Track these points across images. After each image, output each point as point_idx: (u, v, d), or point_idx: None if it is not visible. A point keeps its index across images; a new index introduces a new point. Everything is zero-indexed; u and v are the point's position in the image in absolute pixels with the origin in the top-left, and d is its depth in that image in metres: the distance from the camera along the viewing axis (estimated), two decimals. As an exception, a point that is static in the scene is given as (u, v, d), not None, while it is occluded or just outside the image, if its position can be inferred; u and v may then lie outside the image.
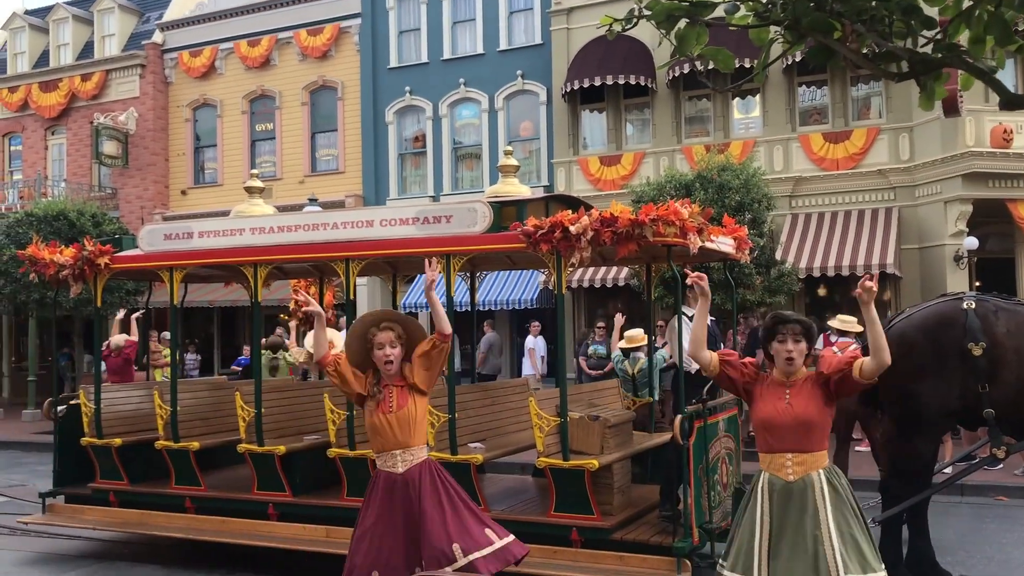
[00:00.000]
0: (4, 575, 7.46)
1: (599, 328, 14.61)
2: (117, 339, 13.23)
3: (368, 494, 4.66)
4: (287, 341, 15.00)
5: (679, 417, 6.08)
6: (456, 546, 4.40)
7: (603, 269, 16.61)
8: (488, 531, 4.58)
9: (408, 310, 19.00)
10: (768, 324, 4.39)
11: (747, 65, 15.70)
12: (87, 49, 25.40)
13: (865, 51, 4.13)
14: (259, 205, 8.57)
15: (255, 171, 9.86)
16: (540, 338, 16.28)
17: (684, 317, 6.79)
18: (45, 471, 10.72)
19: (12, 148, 26.07)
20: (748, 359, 4.57)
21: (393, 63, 21.37)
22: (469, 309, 9.98)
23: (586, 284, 17.25)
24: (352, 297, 7.33)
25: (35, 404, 19.78)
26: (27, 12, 26.95)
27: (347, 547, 7.01)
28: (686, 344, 6.00)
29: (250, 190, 8.69)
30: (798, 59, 15.76)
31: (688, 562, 6.04)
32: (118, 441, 8.16)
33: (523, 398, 8.00)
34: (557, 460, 6.46)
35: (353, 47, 21.80)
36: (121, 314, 13.51)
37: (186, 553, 7.83)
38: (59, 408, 8.67)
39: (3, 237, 18.35)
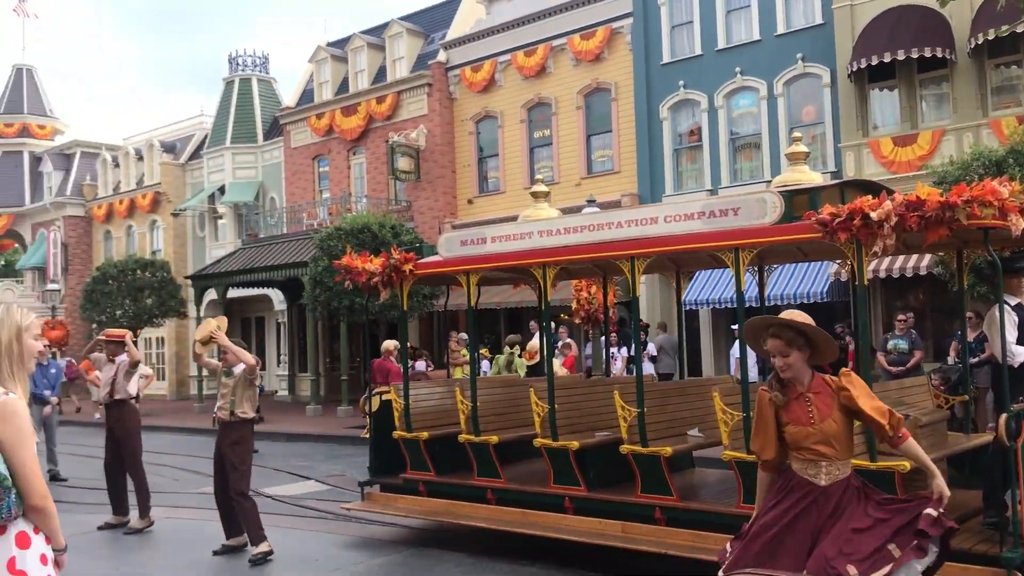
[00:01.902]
0: (329, 556, 8.21)
1: (899, 321, 13.64)
2: (387, 344, 14.60)
3: (781, 492, 4.25)
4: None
5: (1004, 416, 5.53)
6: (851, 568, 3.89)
7: (901, 258, 15.49)
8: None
9: (688, 307, 18.81)
10: None
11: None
12: (380, 73, 27.50)
13: None
14: (544, 209, 8.83)
15: (539, 176, 10.17)
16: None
17: (1007, 306, 6.16)
18: (360, 462, 11.71)
19: (320, 169, 28.79)
20: None
21: (666, 59, 21.25)
22: (758, 305, 9.64)
23: (883, 275, 16.18)
24: (636, 294, 7.35)
25: (347, 401, 21.69)
26: (328, 44, 29.64)
27: (644, 543, 7.12)
28: (1010, 336, 5.45)
29: (535, 195, 8.98)
30: None
31: (1020, 574, 5.48)
32: (425, 435, 8.74)
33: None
34: (863, 461, 6.10)
35: (625, 47, 21.93)
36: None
37: (490, 542, 8.21)
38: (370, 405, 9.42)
39: (317, 250, 20.28)
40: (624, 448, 7.35)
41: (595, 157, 22.80)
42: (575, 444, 7.67)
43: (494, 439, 8.28)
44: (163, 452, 16.30)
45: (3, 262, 49.01)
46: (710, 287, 18.58)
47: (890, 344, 13.31)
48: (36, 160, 39.41)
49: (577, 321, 17.81)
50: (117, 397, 9.84)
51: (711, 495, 7.64)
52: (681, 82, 20.91)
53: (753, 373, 15.61)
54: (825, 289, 16.87)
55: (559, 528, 7.66)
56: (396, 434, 8.90)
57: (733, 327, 16.60)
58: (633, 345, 16.21)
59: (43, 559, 3.30)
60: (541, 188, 9.02)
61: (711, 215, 6.82)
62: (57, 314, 30.89)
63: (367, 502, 9.21)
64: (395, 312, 19.88)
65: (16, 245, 42.10)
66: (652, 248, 7.13)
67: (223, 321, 8.37)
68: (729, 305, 17.68)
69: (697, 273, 18.37)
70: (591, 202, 17.50)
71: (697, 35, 20.85)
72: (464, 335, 17.39)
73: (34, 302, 35.81)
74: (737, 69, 20.08)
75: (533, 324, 18.08)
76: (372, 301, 9.58)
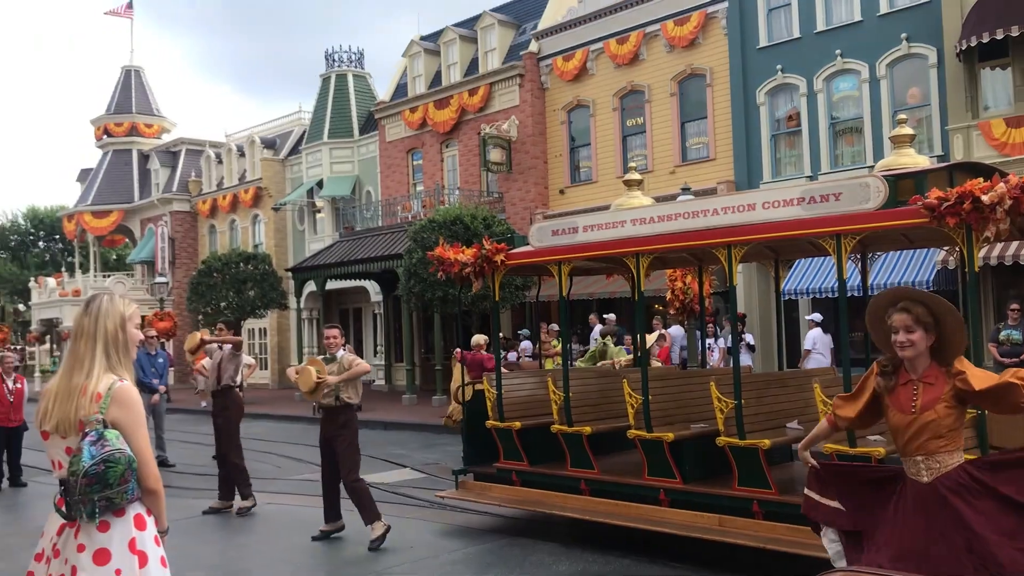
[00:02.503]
0: (425, 543, 8.29)
1: (1012, 310, 13.02)
2: (477, 338, 14.91)
3: (893, 495, 4.04)
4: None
5: None
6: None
7: (1014, 244, 14.79)
8: None
9: (787, 296, 18.35)
10: None
11: None
12: (473, 65, 27.64)
13: None
14: (638, 197, 8.71)
15: (632, 164, 10.04)
16: (817, 330, 15.43)
17: None
18: (455, 451, 11.81)
19: (414, 163, 29.13)
20: None
21: (763, 42, 20.74)
22: (860, 294, 9.34)
23: (993, 262, 15.48)
24: (733, 283, 7.18)
25: (442, 391, 21.90)
26: (422, 38, 29.93)
27: (741, 537, 6.97)
28: None
29: (628, 183, 8.87)
30: None
31: None
32: (518, 424, 8.74)
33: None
34: (843, 446, 5.99)
35: (720, 31, 21.49)
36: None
37: (583, 534, 8.17)
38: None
39: (411, 242, 20.52)
40: (721, 440, 7.21)
41: (690, 144, 22.44)
42: (670, 436, 7.55)
43: (587, 430, 8.22)
44: (265, 439, 16.78)
45: (115, 256, 51.23)
46: (810, 276, 18.10)
47: (1002, 334, 12.72)
48: (144, 158, 41.02)
49: (672, 312, 17.63)
50: (223, 384, 10.18)
51: (811, 489, 7.41)
52: (779, 66, 20.38)
53: (747, 360, 15.38)
54: (931, 278, 16.23)
55: (653, 520, 7.57)
56: (489, 423, 8.92)
57: (809, 317, 16.33)
58: (731, 335, 16.01)
59: (156, 540, 3.43)
60: (634, 176, 8.90)
61: (811, 200, 6.61)
62: (165, 306, 32.08)
63: (461, 491, 9.28)
64: (487, 303, 20.01)
65: (126, 240, 43.91)
66: (750, 235, 6.94)
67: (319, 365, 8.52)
68: (830, 295, 17.19)
69: (797, 262, 17.91)
70: (686, 190, 17.24)
71: (795, 17, 20.28)
72: (555, 326, 17.39)
73: (143, 294, 37.37)
74: (837, 51, 19.46)
75: (592, 318, 18.03)
76: (464, 292, 9.59)
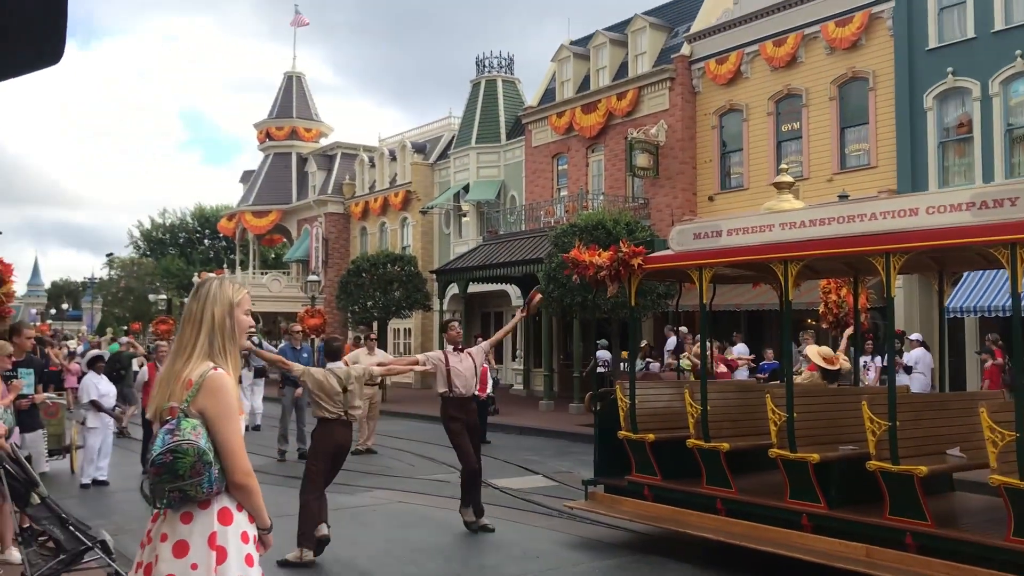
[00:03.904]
0: (551, 553, 8.03)
1: None
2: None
3: None
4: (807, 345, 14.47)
5: None
6: None
7: None
8: None
9: (952, 315, 17.11)
10: None
11: None
12: (622, 69, 27.25)
13: None
14: (788, 201, 8.20)
15: (783, 166, 9.50)
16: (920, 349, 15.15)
17: None
18: (589, 460, 11.49)
19: (559, 167, 28.99)
20: None
21: (932, 44, 19.47)
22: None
23: None
24: (891, 295, 6.59)
25: (579, 398, 21.61)
26: (572, 43, 29.78)
27: (891, 571, 6.38)
28: None
29: (779, 185, 8.36)
30: None
31: None
32: (651, 436, 8.36)
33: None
34: (886, 464, 5.32)
35: (886, 32, 20.33)
36: None
37: (718, 556, 7.72)
38: (599, 403, 9.18)
39: (552, 247, 20.35)
40: (871, 464, 6.63)
41: (849, 151, 21.32)
42: (815, 457, 7.01)
43: (725, 446, 7.76)
44: (401, 437, 16.95)
45: (273, 255, 53.52)
46: (979, 292, 16.79)
47: None
48: (302, 161, 42.67)
49: (825, 326, 16.72)
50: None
51: (973, 523, 6.72)
52: (950, 69, 19.07)
53: (905, 380, 14.29)
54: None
55: (794, 546, 7.04)
56: (621, 434, 8.58)
57: (912, 337, 15.30)
58: (887, 353, 15.03)
59: (244, 537, 3.24)
60: (786, 178, 8.39)
61: (983, 206, 5.98)
62: (317, 303, 33.17)
63: (591, 502, 8.98)
64: (627, 310, 19.60)
65: (284, 240, 45.78)
66: (911, 243, 6.35)
67: None
68: (1001, 314, 15.87)
69: (964, 276, 16.67)
70: (843, 197, 16.32)
71: (970, 16, 18.93)
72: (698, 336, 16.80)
73: (297, 292, 38.76)
74: (1018, 52, 18.01)
75: (668, 329, 17.20)
76: (599, 297, 9.30)
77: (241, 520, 3.24)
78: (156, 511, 3.23)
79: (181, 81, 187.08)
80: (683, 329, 17.76)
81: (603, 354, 19.99)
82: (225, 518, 3.19)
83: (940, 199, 6.35)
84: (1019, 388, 6.01)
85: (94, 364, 12.43)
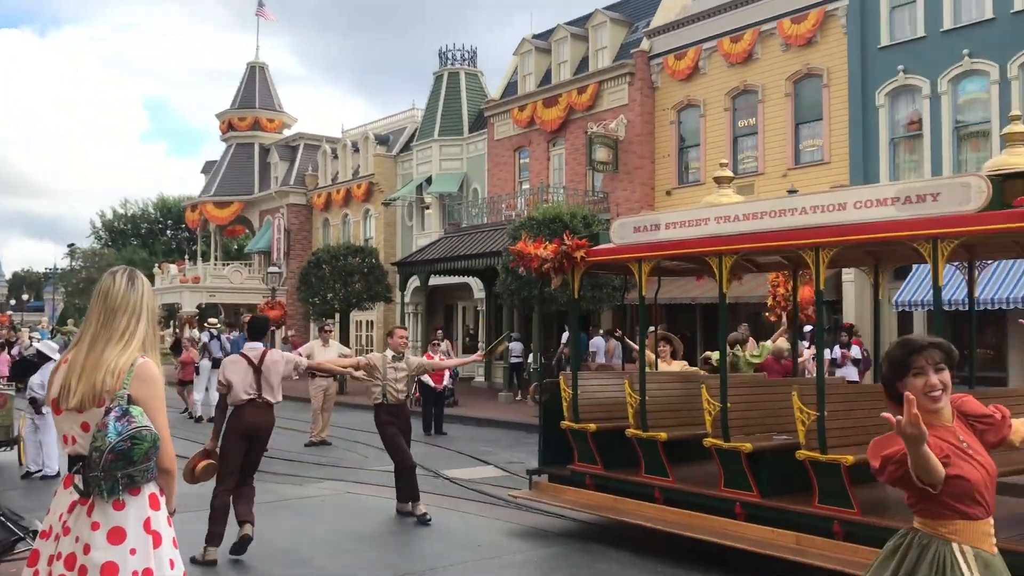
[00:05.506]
0: (493, 543, 8.13)
1: None
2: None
3: None
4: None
5: None
6: None
7: None
8: None
9: (900, 308, 17.44)
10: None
11: None
12: (583, 64, 27.38)
13: None
14: (728, 195, 8.33)
15: (724, 161, 9.65)
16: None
17: None
18: (538, 451, 11.61)
19: (521, 161, 29.08)
20: None
21: (884, 41, 19.79)
22: (962, 308, 8.70)
23: None
24: (821, 288, 6.75)
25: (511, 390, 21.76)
26: (534, 36, 29.84)
27: (818, 558, 6.54)
28: None
29: (718, 179, 8.51)
30: None
31: None
32: (593, 427, 8.48)
33: None
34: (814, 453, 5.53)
35: (840, 30, 20.62)
36: None
37: (655, 543, 7.86)
38: (544, 394, 9.28)
39: (510, 240, 20.42)
40: (801, 454, 6.80)
41: (803, 147, 21.61)
42: (748, 446, 7.17)
43: (663, 436, 7.90)
44: (356, 428, 16.96)
45: (236, 246, 53.14)
46: (928, 286, 17.04)
47: None
48: (265, 151, 42.38)
49: (773, 319, 16.98)
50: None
51: (898, 511, 6.90)
52: (901, 67, 19.40)
53: (852, 373, 14.51)
54: (1062, 293, 15.13)
55: (728, 534, 7.20)
56: (564, 424, 8.70)
57: (807, 329, 14.82)
58: (835, 344, 15.29)
59: (169, 521, 3.38)
60: (725, 173, 8.53)
61: (907, 201, 6.15)
62: (278, 295, 33.03)
63: (534, 491, 9.08)
64: (588, 303, 19.75)
65: (246, 231, 45.47)
66: (839, 236, 6.51)
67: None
68: (947, 307, 16.20)
69: (915, 269, 16.96)
70: (792, 193, 16.52)
71: (920, 15, 19.26)
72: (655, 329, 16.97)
73: (258, 283, 38.55)
74: (965, 51, 18.37)
75: (592, 329, 17.51)
76: (559, 290, 9.41)
77: (164, 505, 3.35)
78: (73, 500, 3.26)
79: (145, 70, 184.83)
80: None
81: (515, 346, 20.24)
82: (155, 503, 3.30)
83: (867, 194, 6.51)
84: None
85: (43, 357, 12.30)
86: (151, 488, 3.30)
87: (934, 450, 2.98)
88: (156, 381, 3.31)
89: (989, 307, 15.90)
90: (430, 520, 8.78)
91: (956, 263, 7.91)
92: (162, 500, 3.35)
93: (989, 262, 12.85)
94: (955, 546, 3.13)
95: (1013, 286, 15.68)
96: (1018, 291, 15.58)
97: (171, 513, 3.41)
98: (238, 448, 7.51)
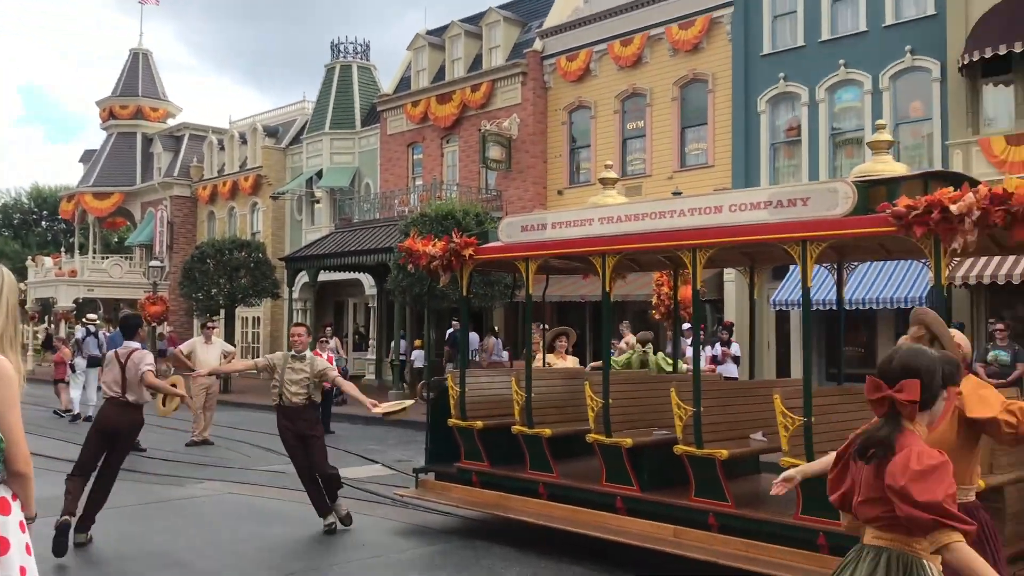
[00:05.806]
0: (377, 542, 8.09)
1: (998, 331, 12.77)
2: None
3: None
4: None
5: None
6: None
7: (1007, 264, 14.55)
8: None
9: (778, 307, 18.12)
10: None
11: None
12: (476, 61, 27.43)
13: None
14: (612, 196, 8.49)
15: (609, 163, 9.83)
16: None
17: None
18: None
19: (415, 156, 28.94)
20: None
21: (766, 50, 20.51)
22: (835, 308, 9.10)
23: (987, 280, 15.22)
24: (699, 287, 6.97)
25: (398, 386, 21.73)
26: (428, 32, 29.73)
27: (694, 550, 6.74)
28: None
29: (604, 181, 8.65)
30: None
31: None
32: (480, 424, 8.52)
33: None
34: (690, 448, 5.77)
35: (724, 37, 21.26)
36: None
37: (539, 538, 7.95)
38: (431, 391, 9.28)
39: (402, 236, 20.31)
40: (678, 449, 7.00)
41: (689, 150, 22.21)
42: (628, 442, 7.34)
43: (547, 432, 8.01)
44: (240, 428, 16.59)
45: (116, 239, 51.14)
46: (893, 285, 17.44)
47: (990, 355, 12.49)
48: (148, 141, 40.93)
49: (658, 317, 17.44)
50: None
51: (770, 503, 7.19)
52: (781, 74, 20.14)
53: (733, 370, 15.03)
54: (925, 294, 15.97)
55: (609, 528, 7.35)
56: (451, 422, 8.72)
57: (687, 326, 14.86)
58: (714, 343, 15.77)
59: (22, 526, 3.21)
60: (610, 175, 8.68)
61: (778, 205, 6.40)
62: (159, 290, 31.95)
63: (420, 489, 9.08)
64: (480, 301, 19.81)
65: (127, 223, 43.82)
66: (713, 239, 6.74)
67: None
68: (821, 307, 16.90)
69: (792, 270, 17.59)
70: (676, 195, 16.98)
71: (800, 25, 20.04)
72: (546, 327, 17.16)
73: (139, 278, 37.22)
74: (841, 62, 19.22)
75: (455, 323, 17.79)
76: (450, 287, 9.41)
77: (17, 509, 3.19)
78: None
79: (19, 54, 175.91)
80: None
81: (405, 343, 20.18)
82: (4, 508, 3.13)
83: (742, 197, 6.76)
84: (807, 376, 6.47)
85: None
86: (1, 492, 3.16)
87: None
88: (9, 380, 3.15)
89: (860, 307, 16.68)
90: (336, 529, 8.38)
91: (827, 264, 8.26)
92: (14, 505, 3.19)
93: (856, 264, 13.47)
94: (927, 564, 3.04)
95: (882, 287, 16.48)
96: (886, 292, 16.39)
97: (30, 519, 3.27)
98: (98, 446, 7.65)
